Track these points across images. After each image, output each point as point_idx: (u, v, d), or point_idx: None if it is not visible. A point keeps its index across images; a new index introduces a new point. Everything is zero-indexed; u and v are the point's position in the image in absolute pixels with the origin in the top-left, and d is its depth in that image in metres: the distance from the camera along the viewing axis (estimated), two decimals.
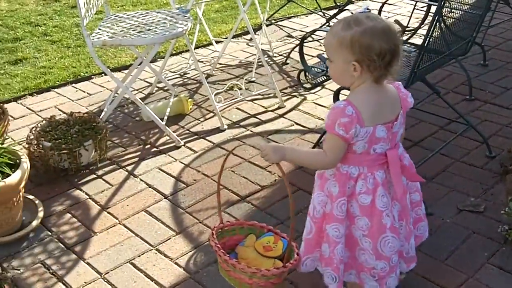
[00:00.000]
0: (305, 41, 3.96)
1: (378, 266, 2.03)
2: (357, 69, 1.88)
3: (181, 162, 3.31)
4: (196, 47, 4.85)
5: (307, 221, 2.11)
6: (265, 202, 2.97)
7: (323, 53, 4.41)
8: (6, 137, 2.75)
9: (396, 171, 1.98)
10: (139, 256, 2.61)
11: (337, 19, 4.57)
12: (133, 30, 3.39)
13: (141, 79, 4.28)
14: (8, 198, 2.56)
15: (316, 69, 3.28)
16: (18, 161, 2.66)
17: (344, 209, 1.99)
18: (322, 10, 5.45)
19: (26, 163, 2.65)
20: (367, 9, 1.87)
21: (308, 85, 4.04)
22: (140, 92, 4.15)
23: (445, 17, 2.91)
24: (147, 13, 3.68)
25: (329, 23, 4.34)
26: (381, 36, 1.85)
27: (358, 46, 1.85)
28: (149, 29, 3.39)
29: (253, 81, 4.26)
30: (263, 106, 3.94)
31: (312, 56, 4.59)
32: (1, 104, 3.16)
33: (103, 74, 4.40)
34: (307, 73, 3.62)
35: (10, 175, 2.54)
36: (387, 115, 1.94)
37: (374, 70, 1.88)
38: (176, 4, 3.95)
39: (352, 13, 4.81)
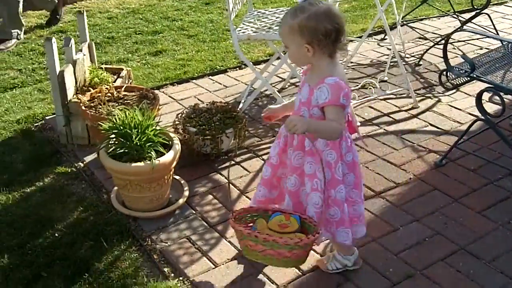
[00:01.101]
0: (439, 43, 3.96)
1: (362, 208, 2.44)
2: (310, 50, 2.17)
3: None
4: None
5: (318, 197, 2.28)
6: (400, 198, 3.01)
7: (467, 53, 4.39)
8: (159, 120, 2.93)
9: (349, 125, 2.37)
10: None
11: (473, 23, 4.58)
12: (276, 26, 3.51)
13: (268, 72, 4.41)
14: (161, 175, 2.76)
15: (458, 69, 3.27)
16: (170, 142, 2.85)
17: (342, 171, 2.30)
18: (456, 13, 5.38)
19: (178, 145, 2.84)
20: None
21: (449, 85, 4.02)
22: (273, 86, 4.28)
23: None
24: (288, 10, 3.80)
25: (464, 26, 4.30)
26: (324, 18, 2.13)
27: (306, 30, 2.14)
28: None
29: (385, 81, 4.29)
30: (396, 106, 3.97)
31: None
32: (152, 90, 3.38)
33: (237, 68, 4.58)
34: (449, 73, 3.62)
35: (164, 154, 2.73)
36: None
37: (324, 48, 2.17)
38: None
39: (489, 15, 4.74)
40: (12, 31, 5.09)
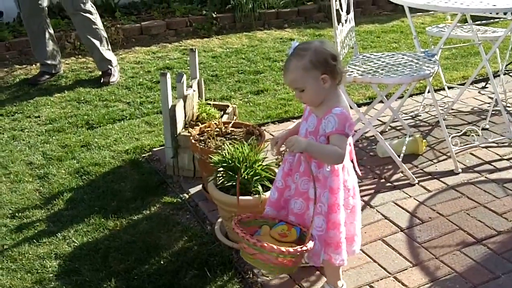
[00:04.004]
0: None
1: (357, 229, 2.60)
2: (325, 80, 2.33)
3: (416, 199, 3.41)
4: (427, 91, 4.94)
5: (321, 220, 2.43)
6: (501, 247, 2.97)
7: None
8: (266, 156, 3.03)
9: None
10: (378, 281, 2.74)
11: None
12: (382, 70, 3.57)
13: (370, 116, 4.45)
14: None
15: None
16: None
17: (343, 196, 2.44)
18: None
19: None
20: (295, 44, 2.24)
21: None
22: (374, 128, 4.31)
23: None
24: (393, 54, 3.86)
25: None
26: (324, 47, 2.33)
27: (318, 62, 2.31)
28: (397, 70, 3.55)
29: (486, 129, 4.25)
30: (498, 154, 3.92)
31: None
32: (258, 127, 3.49)
33: None
34: None
35: (270, 189, 2.82)
36: None
37: (336, 75, 2.35)
38: (421, 48, 4.08)
39: None
40: (108, 66, 5.36)
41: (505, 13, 4.17)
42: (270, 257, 2.32)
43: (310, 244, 2.37)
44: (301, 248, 2.33)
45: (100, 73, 5.40)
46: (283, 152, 2.59)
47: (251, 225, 2.56)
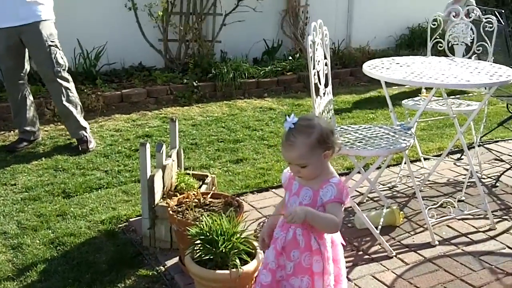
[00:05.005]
0: None
1: None
2: (327, 155, 2.44)
3: (393, 272, 3.40)
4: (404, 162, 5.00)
5: None
6: None
7: None
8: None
9: None
10: None
11: None
12: (359, 142, 3.62)
13: (349, 187, 4.48)
14: (244, 284, 2.82)
15: None
16: (254, 251, 2.93)
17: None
18: None
19: (261, 254, 2.91)
20: (294, 119, 2.38)
21: None
22: (352, 200, 4.33)
23: None
24: (370, 127, 3.93)
25: None
26: (327, 124, 2.47)
27: (323, 139, 2.41)
28: (374, 142, 3.60)
29: (462, 200, 4.30)
30: (473, 226, 3.96)
31: None
32: (237, 198, 3.50)
33: None
34: None
35: (248, 262, 2.80)
36: None
37: (335, 149, 2.47)
38: (397, 120, 4.14)
39: None
40: (84, 133, 5.37)
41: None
42: None
43: None
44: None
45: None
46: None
47: None
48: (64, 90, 5.24)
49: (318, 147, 2.40)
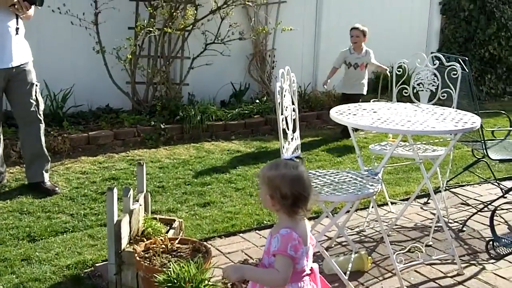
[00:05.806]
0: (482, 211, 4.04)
1: None
2: (270, 202, 2.42)
3: None
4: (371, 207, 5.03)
5: None
6: None
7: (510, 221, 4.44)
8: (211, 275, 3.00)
9: (320, 280, 2.59)
10: None
11: None
12: (327, 187, 3.64)
13: (317, 231, 4.48)
14: None
15: (505, 240, 3.32)
16: None
17: None
18: (497, 181, 5.48)
19: None
20: (295, 157, 2.45)
21: (494, 253, 4.04)
22: (320, 245, 4.33)
23: None
24: (338, 172, 3.95)
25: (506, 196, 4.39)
26: (287, 182, 2.38)
27: (271, 185, 2.40)
28: (342, 187, 3.62)
29: (430, 245, 4.33)
30: (441, 271, 3.98)
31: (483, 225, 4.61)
32: (205, 244, 3.47)
33: None
34: (495, 243, 3.66)
35: None
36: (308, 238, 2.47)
37: (282, 207, 2.40)
38: (364, 165, 4.18)
39: None
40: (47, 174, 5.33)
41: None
42: None
43: None
44: None
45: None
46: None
47: None
48: (41, 131, 5.24)
49: (265, 184, 2.44)
